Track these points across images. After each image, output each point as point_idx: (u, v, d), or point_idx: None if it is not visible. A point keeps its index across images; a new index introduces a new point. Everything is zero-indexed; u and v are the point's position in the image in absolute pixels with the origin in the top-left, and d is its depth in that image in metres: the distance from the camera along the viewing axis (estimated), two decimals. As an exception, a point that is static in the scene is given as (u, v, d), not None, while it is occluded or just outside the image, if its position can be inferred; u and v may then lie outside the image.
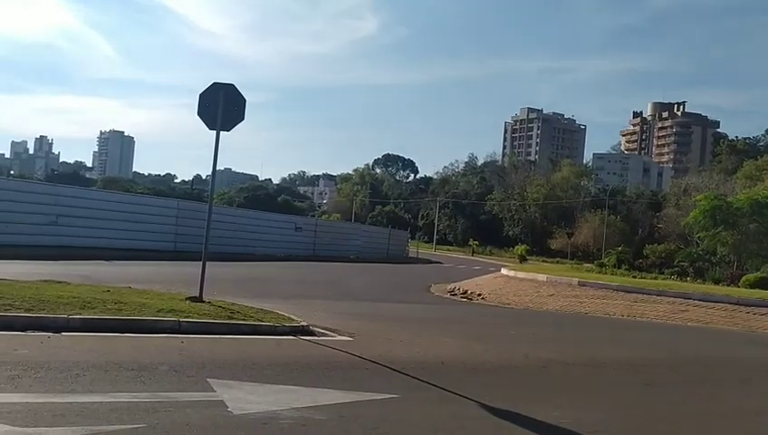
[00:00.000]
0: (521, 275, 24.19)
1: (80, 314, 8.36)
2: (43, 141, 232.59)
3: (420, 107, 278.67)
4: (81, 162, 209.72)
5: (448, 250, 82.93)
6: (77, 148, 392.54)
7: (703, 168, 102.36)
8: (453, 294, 22.11)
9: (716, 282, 26.82)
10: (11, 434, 4.29)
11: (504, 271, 26.09)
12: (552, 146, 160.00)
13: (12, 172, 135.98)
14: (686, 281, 26.37)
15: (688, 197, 62.49)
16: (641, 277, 25.69)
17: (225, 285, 14.84)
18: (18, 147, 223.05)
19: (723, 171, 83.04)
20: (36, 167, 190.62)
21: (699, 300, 19.13)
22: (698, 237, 35.17)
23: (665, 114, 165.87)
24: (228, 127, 11.06)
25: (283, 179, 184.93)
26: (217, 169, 11.61)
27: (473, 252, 77.46)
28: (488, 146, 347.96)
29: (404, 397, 6.36)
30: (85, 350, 7.02)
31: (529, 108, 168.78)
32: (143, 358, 6.85)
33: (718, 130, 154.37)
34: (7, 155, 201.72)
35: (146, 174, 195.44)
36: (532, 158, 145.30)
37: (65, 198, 26.36)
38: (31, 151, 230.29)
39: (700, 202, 32.60)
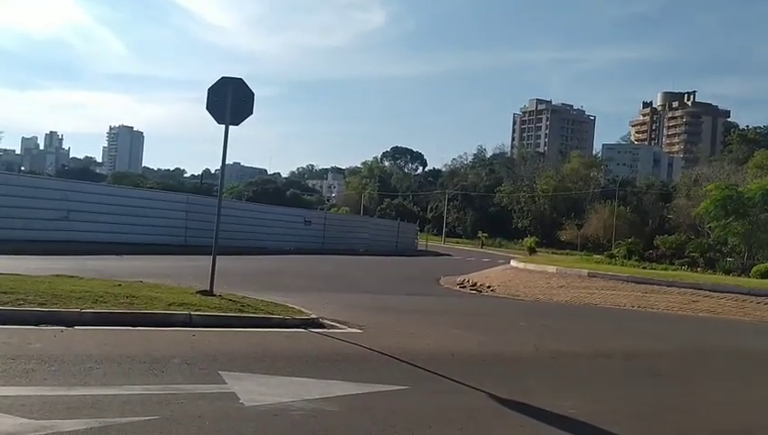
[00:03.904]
0: (530, 266, 24.15)
1: (92, 308, 8.43)
2: (53, 137, 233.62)
3: (429, 99, 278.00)
4: (91, 157, 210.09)
5: (458, 243, 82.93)
6: (87, 143, 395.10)
7: (713, 158, 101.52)
8: (462, 287, 22.11)
9: (727, 272, 26.66)
10: (26, 426, 4.34)
11: (513, 263, 26.06)
12: (561, 137, 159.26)
13: (22, 168, 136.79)
14: (697, 271, 26.23)
15: (699, 187, 62.08)
16: (651, 268, 25.57)
17: (235, 278, 14.91)
18: (29, 142, 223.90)
19: (734, 161, 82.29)
20: (47, 162, 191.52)
21: (710, 290, 19.05)
22: (709, 228, 35.07)
23: (675, 104, 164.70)
24: (237, 121, 11.09)
25: (292, 173, 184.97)
26: (226, 163, 11.64)
27: (482, 244, 77.35)
28: (497, 138, 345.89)
29: (414, 388, 6.40)
30: (98, 343, 7.08)
31: (538, 99, 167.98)
32: (155, 351, 6.91)
33: (729, 119, 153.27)
34: (18, 151, 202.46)
35: (155, 169, 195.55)
36: (541, 149, 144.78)
37: (76, 193, 26.51)
38: (41, 147, 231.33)
39: (711, 192, 32.47)
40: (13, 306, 8.01)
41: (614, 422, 5.87)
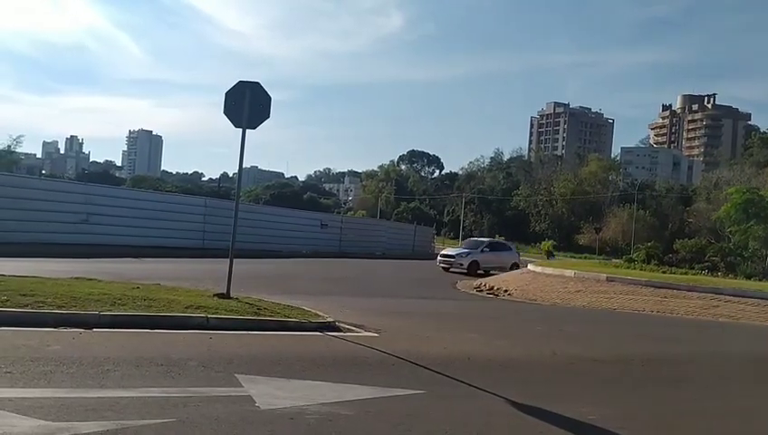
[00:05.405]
0: (548, 270, 23.97)
1: (110, 310, 8.50)
2: (73, 141, 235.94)
3: (446, 102, 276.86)
4: (110, 161, 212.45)
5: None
6: (107, 147, 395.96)
7: (734, 161, 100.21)
8: (479, 291, 22.00)
9: (748, 277, 26.31)
10: (43, 428, 4.37)
11: (530, 267, 25.88)
12: (579, 140, 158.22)
13: (43, 172, 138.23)
14: (717, 276, 25.91)
15: (719, 190, 61.36)
16: (671, 273, 25.27)
17: (251, 281, 14.95)
18: (49, 147, 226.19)
19: (754, 164, 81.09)
20: (67, 166, 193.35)
21: (730, 295, 18.82)
22: (730, 232, 34.54)
23: (695, 107, 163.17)
24: (254, 125, 11.13)
25: (309, 177, 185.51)
26: (244, 166, 11.69)
27: (499, 248, 76.93)
28: (514, 141, 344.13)
29: (430, 393, 6.37)
30: (116, 346, 7.13)
31: (555, 102, 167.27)
32: (172, 354, 6.94)
33: (749, 122, 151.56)
34: (39, 155, 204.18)
35: (174, 172, 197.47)
36: (558, 153, 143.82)
37: (96, 196, 26.73)
38: (62, 151, 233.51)
39: (732, 196, 32.06)
40: (32, 309, 8.10)
41: (633, 429, 5.81)
